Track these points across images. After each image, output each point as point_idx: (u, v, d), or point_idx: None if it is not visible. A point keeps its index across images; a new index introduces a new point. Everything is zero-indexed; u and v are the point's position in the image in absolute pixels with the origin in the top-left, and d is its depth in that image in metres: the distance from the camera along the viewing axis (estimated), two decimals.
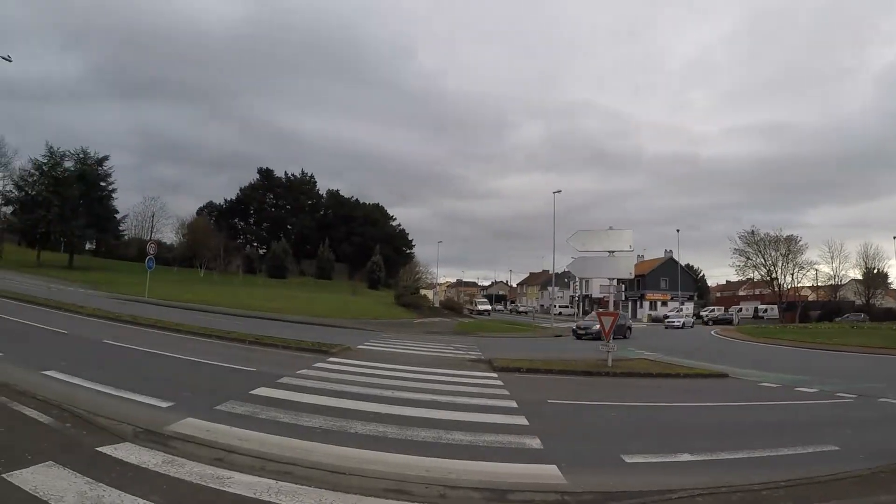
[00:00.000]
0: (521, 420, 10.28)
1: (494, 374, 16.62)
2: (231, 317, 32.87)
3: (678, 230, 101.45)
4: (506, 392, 13.42)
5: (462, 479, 6.76)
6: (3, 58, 40.02)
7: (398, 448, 7.83)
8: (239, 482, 5.93)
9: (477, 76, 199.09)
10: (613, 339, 19.26)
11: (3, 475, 5.41)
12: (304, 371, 14.29)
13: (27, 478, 5.40)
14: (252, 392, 10.96)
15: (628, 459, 8.09)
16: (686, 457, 8.41)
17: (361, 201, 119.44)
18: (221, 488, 5.75)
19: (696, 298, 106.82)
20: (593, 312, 49.54)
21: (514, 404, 11.86)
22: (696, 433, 10.41)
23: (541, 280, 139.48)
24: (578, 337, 37.27)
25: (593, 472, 7.48)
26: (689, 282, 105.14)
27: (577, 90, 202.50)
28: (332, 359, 17.39)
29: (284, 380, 12.71)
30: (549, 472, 7.27)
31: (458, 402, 11.68)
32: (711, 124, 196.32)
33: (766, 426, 11.66)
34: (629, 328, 43.47)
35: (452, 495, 6.28)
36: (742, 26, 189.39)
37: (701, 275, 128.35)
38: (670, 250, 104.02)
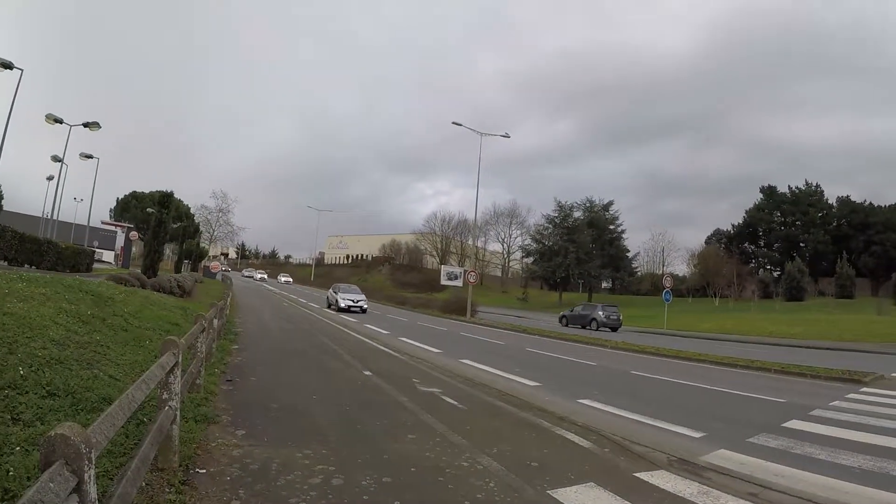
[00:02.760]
0: None
1: None
2: (749, 344, 32.18)
3: None
4: None
5: None
6: (503, 136, 46.91)
7: None
8: None
9: None
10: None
11: (548, 491, 5.86)
12: (836, 403, 13.27)
13: (570, 496, 5.77)
14: (784, 425, 10.47)
15: None
16: None
17: (876, 204, 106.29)
18: None
19: None
20: None
21: None
22: None
23: None
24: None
25: None
26: None
27: None
28: (864, 388, 16.01)
29: (816, 412, 11.96)
30: None
31: None
32: None
33: None
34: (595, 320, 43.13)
35: None
36: None
37: None
38: None
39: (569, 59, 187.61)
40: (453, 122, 45.70)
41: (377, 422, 8.41)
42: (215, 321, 13.04)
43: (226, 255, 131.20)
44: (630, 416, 10.62)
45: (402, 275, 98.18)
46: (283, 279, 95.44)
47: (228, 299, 24.79)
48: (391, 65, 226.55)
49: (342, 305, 39.89)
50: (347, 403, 9.65)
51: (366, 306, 40.85)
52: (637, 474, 6.77)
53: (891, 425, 10.87)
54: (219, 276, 67.60)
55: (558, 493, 5.78)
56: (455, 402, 10.41)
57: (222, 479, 5.49)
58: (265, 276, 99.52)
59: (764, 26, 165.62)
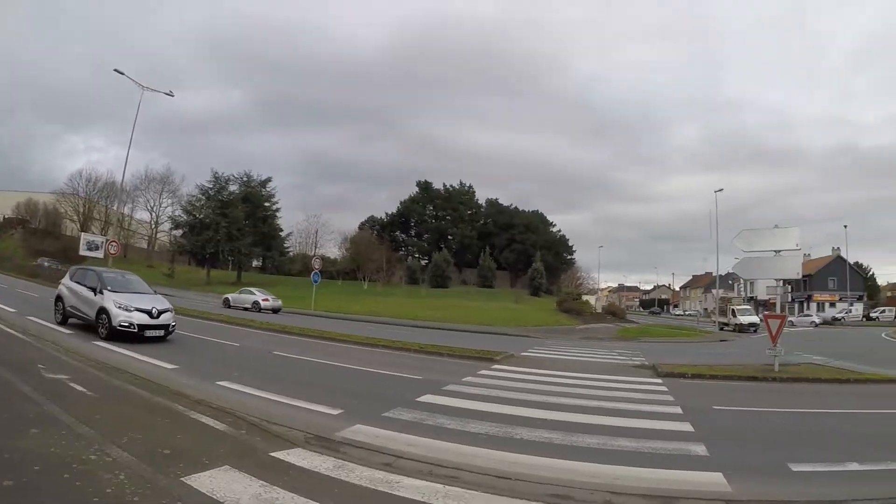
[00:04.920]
0: (686, 426, 10.12)
1: (658, 380, 16.42)
2: (395, 327, 33.79)
3: (846, 226, 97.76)
4: (670, 398, 13.26)
5: (627, 485, 6.72)
6: (166, 93, 42.91)
7: (564, 454, 7.86)
8: (408, 486, 6.08)
9: (634, 79, 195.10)
10: None
11: (182, 478, 5.71)
12: (469, 378, 14.42)
13: (205, 481, 5.68)
14: (418, 399, 11.20)
15: (795, 468, 7.85)
16: (855, 466, 8.12)
17: (521, 209, 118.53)
18: (391, 492, 5.91)
19: (865, 298, 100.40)
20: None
21: (678, 410, 11.67)
22: (867, 442, 9.95)
23: (704, 283, 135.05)
24: None
25: (759, 480, 7.31)
26: (858, 281, 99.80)
27: (735, 86, 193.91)
28: (496, 366, 17.57)
29: (450, 387, 12.95)
30: (714, 480, 7.13)
31: (622, 408, 11.60)
32: (875, 112, 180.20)
33: None
34: None
35: (618, 501, 6.25)
36: None
37: (871, 273, 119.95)
38: (838, 248, 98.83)
39: (252, 27, 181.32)
40: (115, 70, 41.29)
41: None
42: None
43: None
44: (270, 397, 10.72)
45: (38, 241, 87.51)
46: None
47: None
48: None
49: (120, 323, 17.36)
50: None
51: (174, 323, 19.02)
52: (273, 454, 6.86)
53: (514, 396, 12.22)
54: None
55: (192, 480, 5.67)
56: (84, 390, 9.67)
57: None
58: None
59: (449, 38, 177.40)
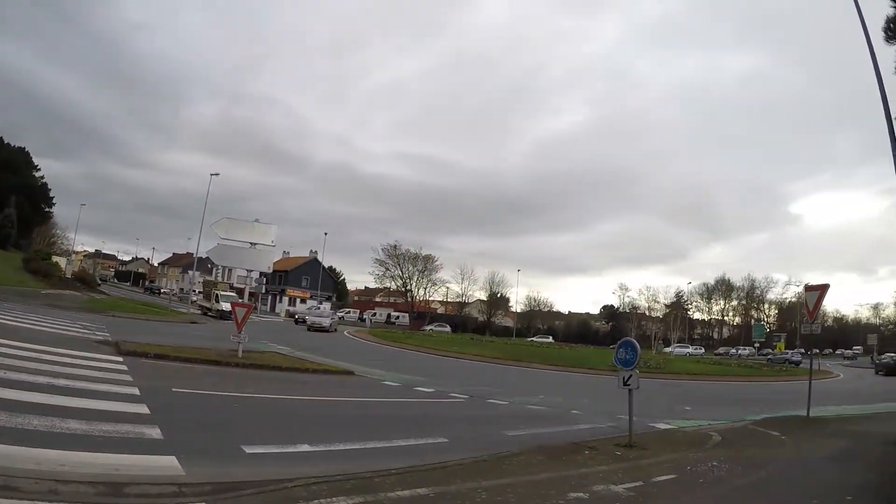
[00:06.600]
0: (143, 409, 10.01)
1: (120, 358, 15.98)
2: None
3: (326, 233, 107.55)
4: (129, 378, 13.02)
5: (75, 472, 6.40)
6: None
7: (5, 438, 7.16)
8: None
9: (176, 40, 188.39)
10: None
11: None
12: None
13: None
14: None
15: (248, 450, 8.39)
16: (305, 447, 9.00)
17: (7, 142, 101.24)
18: None
19: (334, 299, 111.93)
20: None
21: (136, 391, 11.53)
22: (317, 425, 11.23)
23: (184, 262, 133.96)
24: None
25: (213, 462, 7.60)
26: (329, 283, 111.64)
27: (269, 87, 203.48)
28: None
29: None
30: (167, 464, 7.19)
31: (76, 386, 10.99)
32: (383, 146, 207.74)
33: (384, 420, 13.18)
34: None
35: (64, 490, 5.91)
36: (440, 67, 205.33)
37: (342, 278, 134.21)
38: (315, 251, 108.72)
39: None
40: None
41: None
42: None
43: None
44: None
45: None
46: None
47: None
48: None
49: None
50: None
51: None
52: None
53: None
54: None
55: None
56: None
57: None
58: None
59: None
